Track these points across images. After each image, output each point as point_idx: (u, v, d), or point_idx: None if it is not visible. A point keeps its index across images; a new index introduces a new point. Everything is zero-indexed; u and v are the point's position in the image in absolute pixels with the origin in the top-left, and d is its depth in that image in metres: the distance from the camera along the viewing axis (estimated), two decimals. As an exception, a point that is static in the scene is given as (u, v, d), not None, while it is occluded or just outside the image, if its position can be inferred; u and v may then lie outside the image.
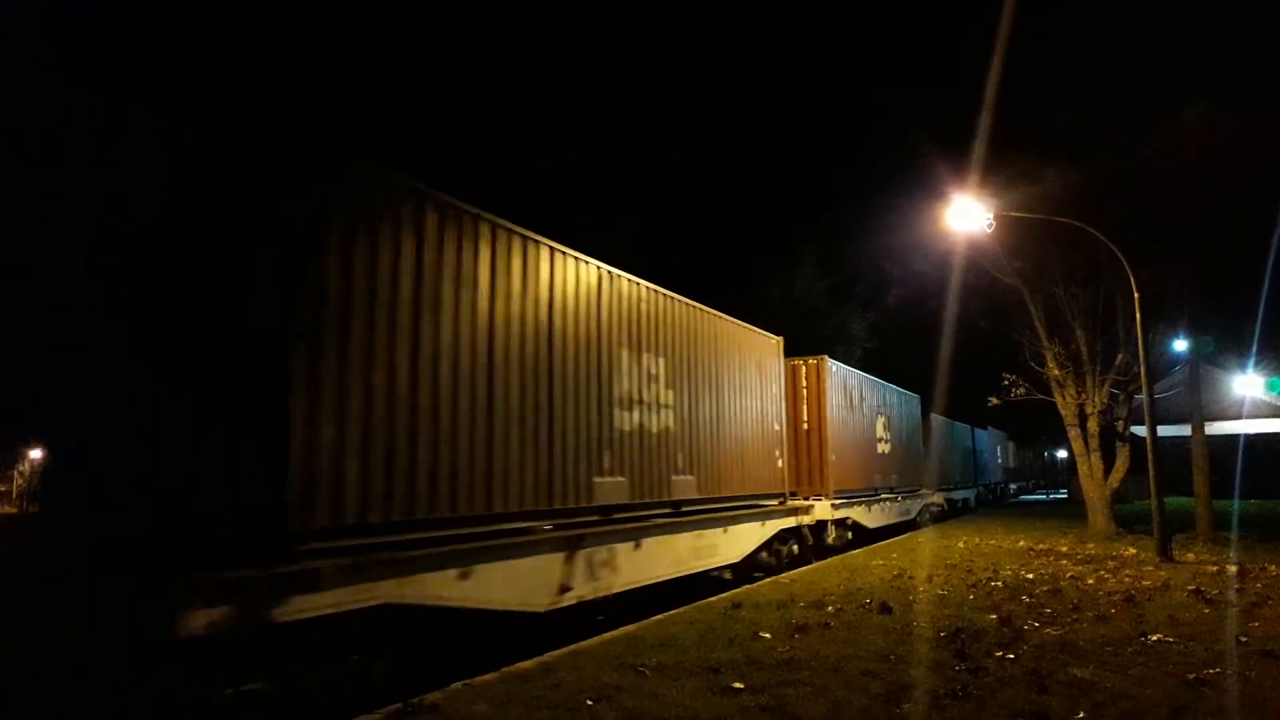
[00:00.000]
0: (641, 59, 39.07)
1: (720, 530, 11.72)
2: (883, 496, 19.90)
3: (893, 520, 20.79)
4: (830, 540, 16.13)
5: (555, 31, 34.25)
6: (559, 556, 8.22)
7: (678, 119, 41.26)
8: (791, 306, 34.55)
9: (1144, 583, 11.50)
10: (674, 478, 10.69)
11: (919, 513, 24.01)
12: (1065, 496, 45.12)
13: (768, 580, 12.46)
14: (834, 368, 16.97)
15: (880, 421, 20.34)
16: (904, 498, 21.97)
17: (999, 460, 43.80)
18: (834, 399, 16.59)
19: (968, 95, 17.68)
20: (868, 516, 18.55)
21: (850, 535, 17.37)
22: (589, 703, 5.81)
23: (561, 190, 26.85)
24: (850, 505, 17.16)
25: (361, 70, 23.88)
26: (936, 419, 27.23)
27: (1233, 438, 30.52)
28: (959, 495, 31.64)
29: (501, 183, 23.92)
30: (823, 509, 15.66)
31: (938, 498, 26.80)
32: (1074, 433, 20.38)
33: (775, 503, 14.01)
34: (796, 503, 14.85)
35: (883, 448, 20.36)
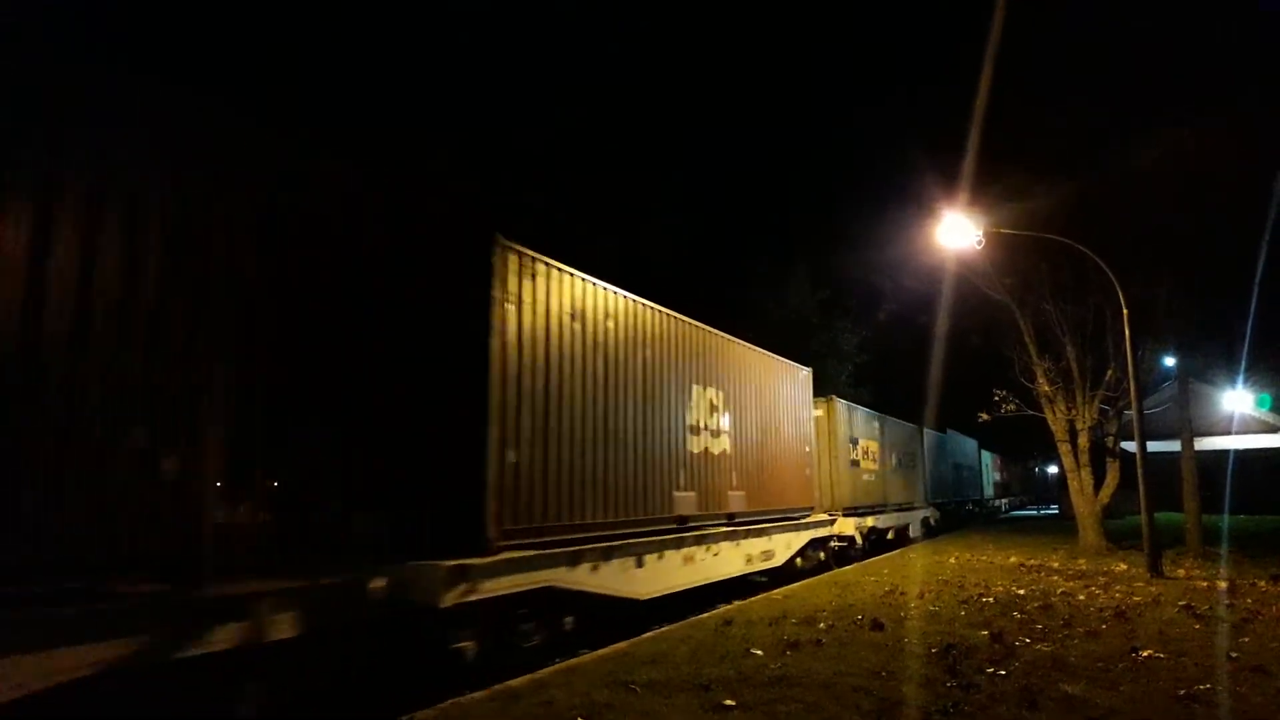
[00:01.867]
0: (634, 72, 39.30)
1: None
2: (887, 510, 21.82)
3: (897, 525, 22.73)
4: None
5: (548, 39, 34.42)
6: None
7: (671, 132, 41.50)
8: (783, 320, 34.59)
9: (1135, 598, 11.51)
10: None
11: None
12: (1056, 512, 45.14)
13: (760, 597, 12.44)
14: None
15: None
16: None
17: (990, 476, 43.86)
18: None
19: (958, 111, 17.77)
20: (876, 524, 20.44)
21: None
22: (579, 720, 5.79)
23: (555, 199, 26.93)
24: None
25: (359, 68, 23.95)
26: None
27: (1222, 453, 30.60)
28: (951, 510, 31.78)
29: (499, 182, 24.00)
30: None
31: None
32: (1064, 448, 20.44)
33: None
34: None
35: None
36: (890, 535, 21.87)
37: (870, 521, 19.75)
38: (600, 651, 8.23)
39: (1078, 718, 5.78)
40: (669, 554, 10.52)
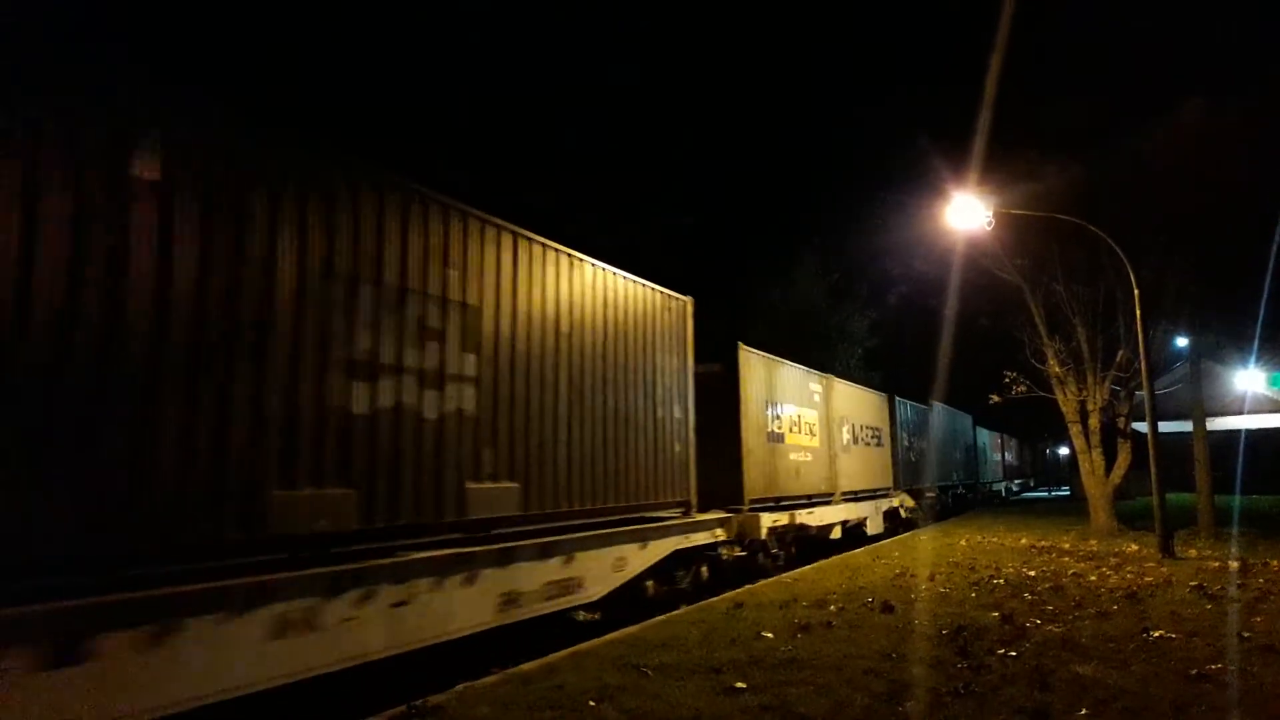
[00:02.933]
0: (641, 57, 39.10)
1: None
2: (833, 501, 16.95)
3: (847, 520, 17.38)
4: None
5: (555, 31, 34.30)
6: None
7: (678, 117, 41.32)
8: (792, 305, 34.55)
9: (1146, 579, 11.50)
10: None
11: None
12: (1068, 494, 45.09)
13: (770, 580, 12.45)
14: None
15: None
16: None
17: (988, 456, 43.51)
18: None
19: (968, 92, 17.67)
20: (808, 521, 14.92)
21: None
22: (591, 703, 5.82)
23: (561, 188, 26.91)
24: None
25: (361, 63, 23.91)
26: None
27: (1234, 433, 30.52)
28: (960, 492, 31.48)
29: (500, 182, 23.96)
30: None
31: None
32: (1075, 429, 20.37)
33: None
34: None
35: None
36: (835, 533, 16.64)
37: (799, 518, 14.32)
38: (611, 635, 8.26)
39: (1089, 698, 5.78)
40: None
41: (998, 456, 45.04)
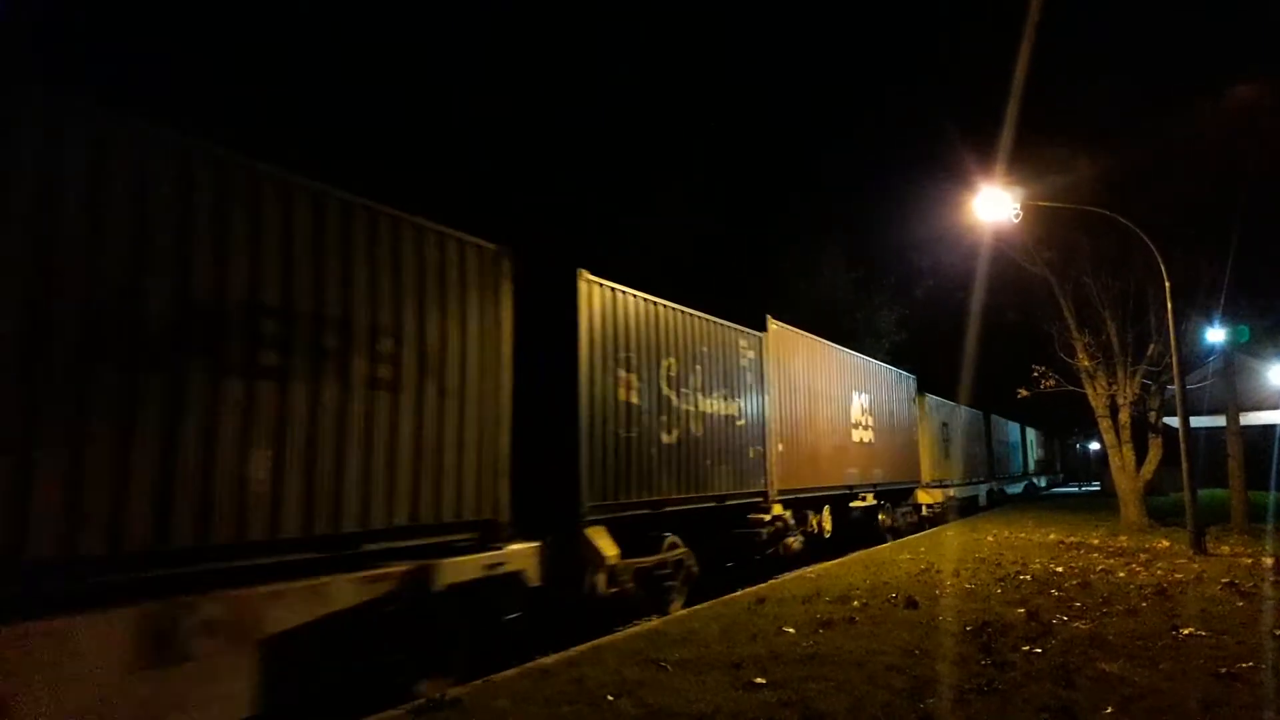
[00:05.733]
0: (666, 47, 38.99)
1: None
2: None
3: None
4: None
5: (579, 16, 34.26)
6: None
7: (703, 110, 41.22)
8: (817, 296, 34.31)
9: (1176, 575, 11.32)
10: None
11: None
12: (1098, 489, 44.51)
13: (793, 574, 12.40)
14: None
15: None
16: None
17: (1028, 452, 42.91)
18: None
19: (995, 84, 17.35)
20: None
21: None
22: (610, 698, 5.82)
23: (578, 182, 26.91)
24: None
25: (373, 74, 24.00)
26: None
27: (1269, 428, 29.91)
28: (981, 490, 30.95)
29: (528, 176, 24.02)
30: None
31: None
32: (1105, 424, 20.10)
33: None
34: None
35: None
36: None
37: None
38: (631, 629, 8.27)
39: (1115, 696, 5.70)
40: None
41: (1026, 451, 44.47)
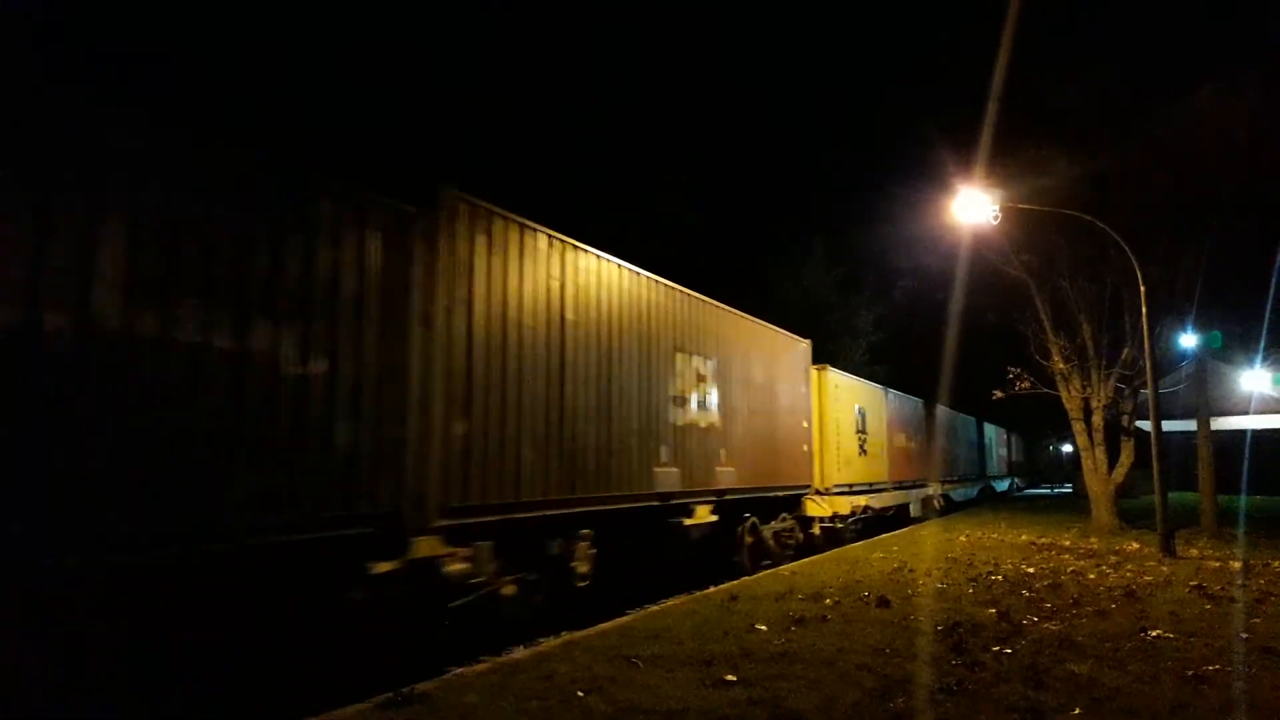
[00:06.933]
0: (651, 49, 38.89)
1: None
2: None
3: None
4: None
5: (564, 22, 34.10)
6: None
7: (688, 110, 41.19)
8: (800, 298, 34.43)
9: (1146, 578, 11.41)
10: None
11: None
12: (1070, 491, 44.93)
13: (768, 572, 12.40)
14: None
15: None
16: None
17: (1003, 454, 43.18)
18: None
19: (974, 86, 17.38)
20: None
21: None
22: (580, 694, 5.76)
23: (569, 180, 26.79)
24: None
25: (370, 56, 23.73)
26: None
27: (1239, 433, 30.28)
28: (961, 489, 31.13)
29: (514, 174, 23.87)
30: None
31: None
32: (1079, 427, 20.25)
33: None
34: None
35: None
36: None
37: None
38: (602, 625, 8.21)
39: (1084, 697, 5.71)
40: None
41: (1002, 453, 44.80)
